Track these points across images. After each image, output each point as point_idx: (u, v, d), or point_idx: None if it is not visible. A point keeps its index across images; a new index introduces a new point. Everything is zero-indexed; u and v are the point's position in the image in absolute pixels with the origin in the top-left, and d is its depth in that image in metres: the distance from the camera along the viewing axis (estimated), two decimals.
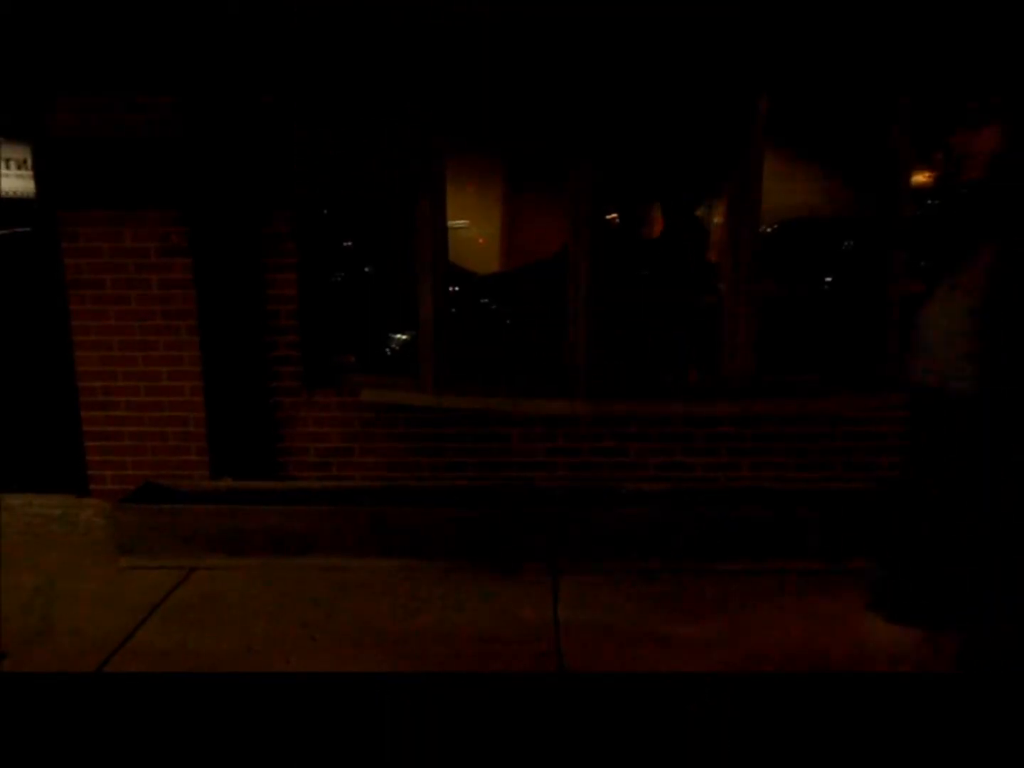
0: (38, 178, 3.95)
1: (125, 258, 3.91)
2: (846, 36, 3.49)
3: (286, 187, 3.83)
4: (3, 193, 4.53)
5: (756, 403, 3.85)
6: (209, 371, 3.94)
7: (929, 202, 4.23)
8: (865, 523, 3.47)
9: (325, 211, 4.06)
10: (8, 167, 6.24)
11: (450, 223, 7.25)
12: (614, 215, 5.85)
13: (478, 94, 3.65)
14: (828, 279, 5.28)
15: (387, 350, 4.59)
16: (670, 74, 3.60)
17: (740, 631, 3.11)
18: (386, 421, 4.02)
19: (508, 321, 5.29)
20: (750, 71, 3.58)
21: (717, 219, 6.49)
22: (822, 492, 3.85)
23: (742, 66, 3.58)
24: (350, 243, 4.60)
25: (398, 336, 4.56)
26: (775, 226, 6.46)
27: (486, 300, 5.76)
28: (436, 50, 3.55)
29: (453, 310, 5.36)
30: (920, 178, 4.27)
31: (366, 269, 4.76)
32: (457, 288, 5.96)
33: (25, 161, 5.24)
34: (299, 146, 3.81)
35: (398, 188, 3.85)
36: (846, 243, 5.09)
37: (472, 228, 7.47)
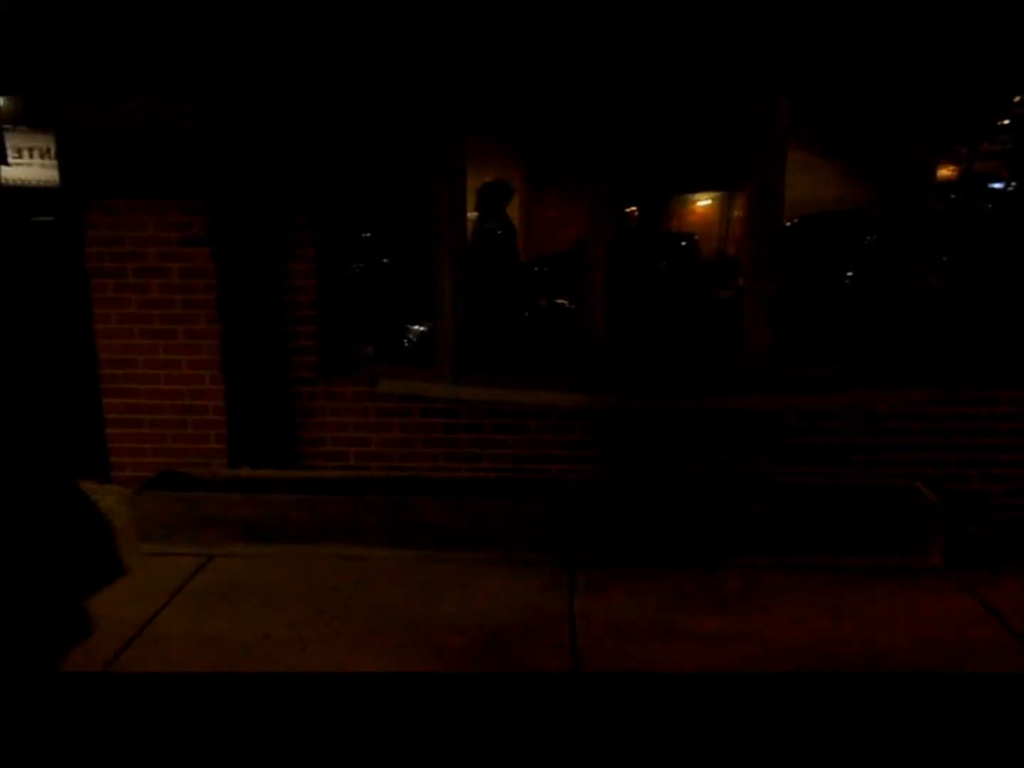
0: (62, 167, 3.98)
1: (147, 247, 3.94)
2: (862, 33, 3.45)
3: (305, 177, 3.84)
4: (8, 181, 4.57)
5: (776, 398, 3.83)
6: (228, 360, 3.97)
7: (953, 196, 4.20)
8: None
9: (344, 201, 4.06)
10: (31, 156, 6.30)
11: (468, 214, 7.22)
12: (633, 208, 5.82)
13: (497, 84, 3.65)
14: (849, 273, 5.23)
15: (405, 341, 4.59)
16: (694, 68, 3.58)
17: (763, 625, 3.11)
18: (403, 411, 4.04)
19: (526, 313, 5.28)
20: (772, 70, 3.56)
21: (737, 213, 6.46)
22: (845, 488, 3.84)
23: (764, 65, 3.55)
24: (369, 234, 4.60)
25: (416, 327, 4.56)
26: (795, 220, 6.41)
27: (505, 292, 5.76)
28: (453, 38, 3.54)
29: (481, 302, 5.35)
30: (944, 171, 4.23)
31: (384, 260, 4.77)
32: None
33: (48, 150, 5.29)
34: (317, 136, 3.82)
35: (417, 177, 3.85)
36: (868, 237, 5.04)
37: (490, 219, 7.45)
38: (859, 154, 4.84)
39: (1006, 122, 3.77)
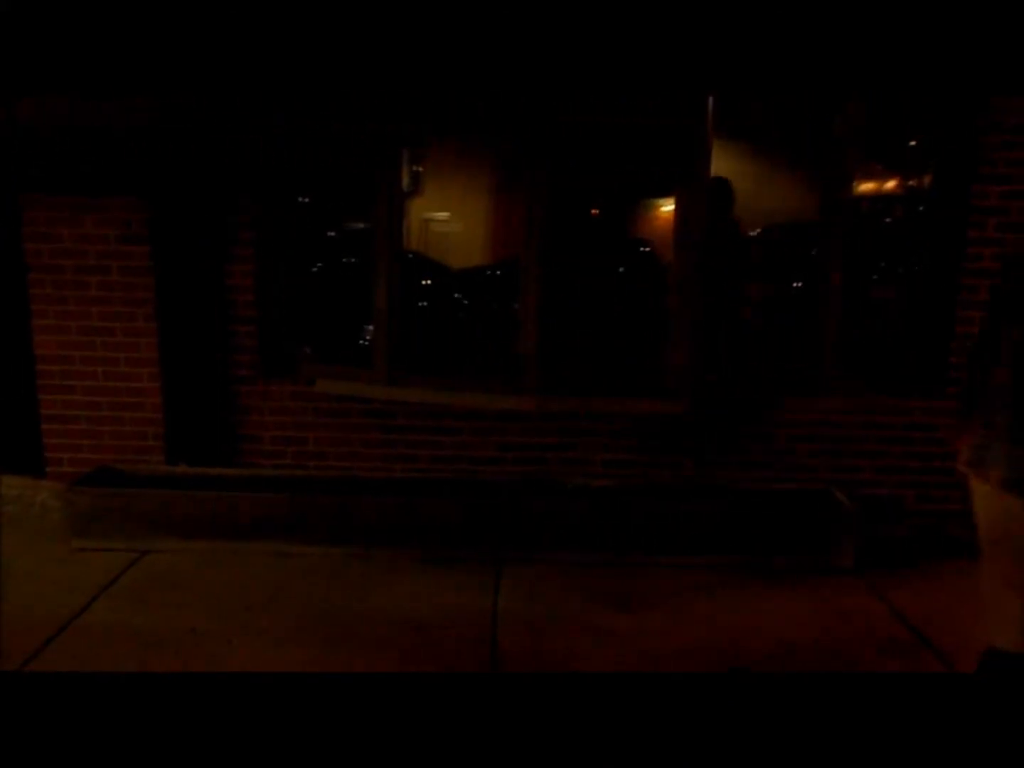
0: (1, 160, 3.98)
1: (86, 244, 3.95)
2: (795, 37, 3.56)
3: (245, 178, 3.88)
4: None
5: (696, 403, 3.95)
6: (166, 358, 4.00)
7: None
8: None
9: (284, 202, 4.10)
10: None
11: (431, 215, 7.27)
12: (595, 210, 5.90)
13: (432, 88, 3.72)
14: (797, 283, 5.39)
15: (346, 342, 4.65)
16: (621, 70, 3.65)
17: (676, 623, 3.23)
18: (340, 412, 4.10)
19: (471, 316, 5.37)
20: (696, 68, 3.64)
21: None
22: (765, 492, 3.99)
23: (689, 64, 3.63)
24: (312, 235, 4.64)
25: (358, 328, 4.62)
26: (758, 231, 6.55)
27: (459, 295, 5.82)
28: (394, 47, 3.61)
29: (424, 303, 5.41)
30: (868, 185, 4.41)
31: (323, 262, 4.81)
32: (430, 281, 6.01)
33: None
34: (258, 138, 3.86)
35: (356, 179, 3.92)
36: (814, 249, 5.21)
37: (454, 221, 7.50)
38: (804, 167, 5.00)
39: (913, 143, 3.95)
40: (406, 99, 3.83)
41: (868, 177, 4.35)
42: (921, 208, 3.96)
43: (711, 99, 3.76)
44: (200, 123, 3.79)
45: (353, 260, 4.47)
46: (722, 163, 4.08)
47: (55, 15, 3.42)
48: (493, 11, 3.35)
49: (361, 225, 4.11)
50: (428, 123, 3.96)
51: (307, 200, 4.26)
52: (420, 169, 5.86)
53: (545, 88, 3.74)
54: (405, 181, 4.11)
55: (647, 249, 5.78)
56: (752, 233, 6.44)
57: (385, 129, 3.87)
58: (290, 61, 3.66)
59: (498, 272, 6.20)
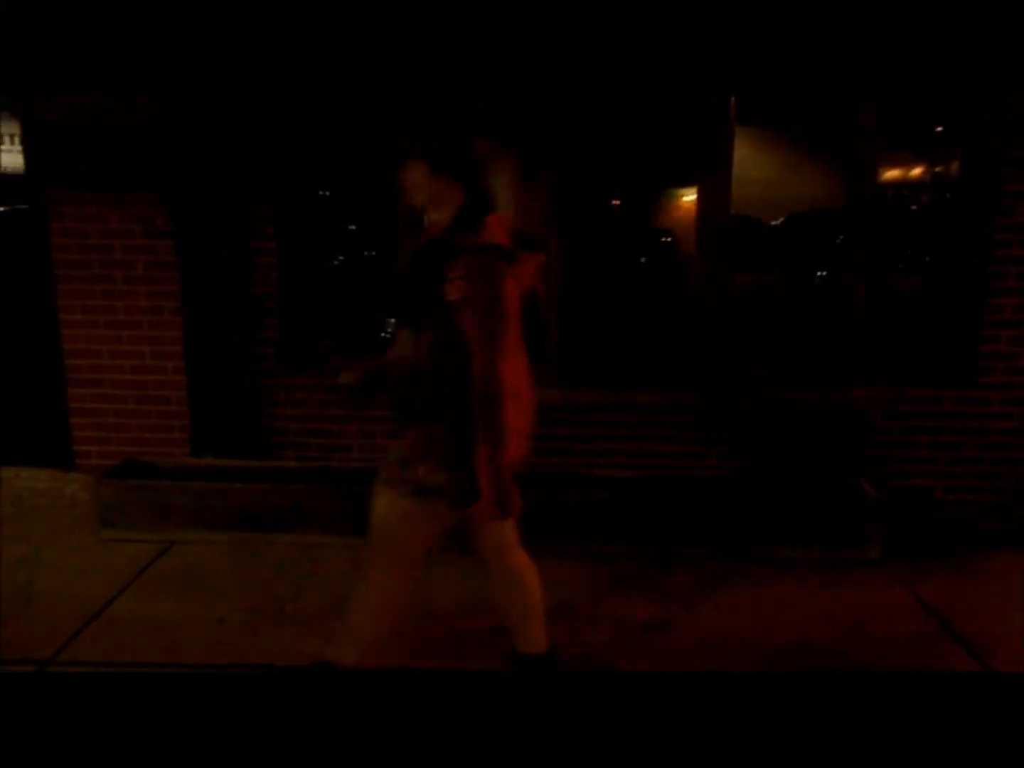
0: (27, 158, 4.03)
1: (111, 239, 3.99)
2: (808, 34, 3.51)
3: (266, 174, 3.90)
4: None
5: (722, 395, 3.93)
6: (191, 351, 4.04)
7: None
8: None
9: (306, 197, 4.12)
10: (12, 142, 6.28)
11: None
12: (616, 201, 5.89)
13: (452, 85, 3.71)
14: (821, 272, 5.32)
15: (369, 334, 4.66)
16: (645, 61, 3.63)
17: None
18: (363, 404, 4.11)
19: None
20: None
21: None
22: (787, 483, 3.95)
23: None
24: (333, 228, 4.66)
25: (380, 321, 4.63)
26: (781, 219, 6.48)
27: None
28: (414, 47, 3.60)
29: None
30: (894, 172, 4.35)
31: (345, 255, 4.83)
32: None
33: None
34: (279, 133, 3.87)
35: (375, 174, 3.92)
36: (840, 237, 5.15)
37: None
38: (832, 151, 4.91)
39: (940, 128, 3.88)
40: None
41: (894, 164, 4.28)
42: (948, 195, 3.90)
43: (732, 98, 3.73)
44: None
45: (375, 253, 4.48)
46: (742, 151, 4.04)
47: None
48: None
49: (382, 219, 4.10)
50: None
51: (328, 194, 4.27)
52: None
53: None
54: None
55: (669, 239, 5.73)
56: (775, 222, 6.38)
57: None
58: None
59: None
